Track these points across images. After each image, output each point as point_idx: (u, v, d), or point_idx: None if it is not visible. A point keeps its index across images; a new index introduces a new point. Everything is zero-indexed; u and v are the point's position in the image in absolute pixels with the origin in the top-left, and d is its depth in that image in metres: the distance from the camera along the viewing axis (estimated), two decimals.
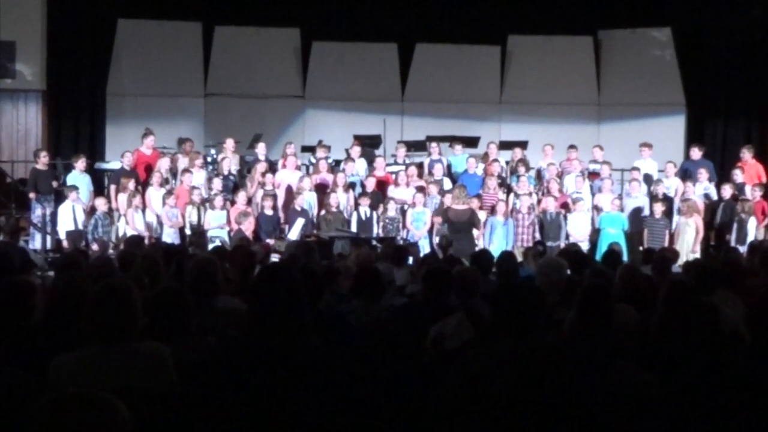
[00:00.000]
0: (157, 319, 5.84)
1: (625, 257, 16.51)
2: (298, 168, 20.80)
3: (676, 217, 19.33)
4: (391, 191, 19.98)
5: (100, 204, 18.54)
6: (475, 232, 18.54)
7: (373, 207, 19.39)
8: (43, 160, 19.65)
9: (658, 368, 5.67)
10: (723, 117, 24.80)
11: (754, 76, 23.85)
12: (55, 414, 3.28)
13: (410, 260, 13.91)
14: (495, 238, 18.70)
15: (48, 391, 4.69)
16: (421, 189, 19.72)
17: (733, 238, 18.64)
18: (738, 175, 20.09)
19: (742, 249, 16.62)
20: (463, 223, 18.22)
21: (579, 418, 4.72)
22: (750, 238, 18.27)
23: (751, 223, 18.56)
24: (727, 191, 19.51)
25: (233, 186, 19.91)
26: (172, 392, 5.09)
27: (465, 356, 5.08)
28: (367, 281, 8.16)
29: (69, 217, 18.34)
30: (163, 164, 19.89)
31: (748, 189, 19.58)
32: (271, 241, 18.26)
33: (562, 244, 17.97)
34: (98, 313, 5.28)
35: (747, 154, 20.73)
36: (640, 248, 18.52)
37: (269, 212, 19.11)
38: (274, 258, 15.18)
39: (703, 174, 20.18)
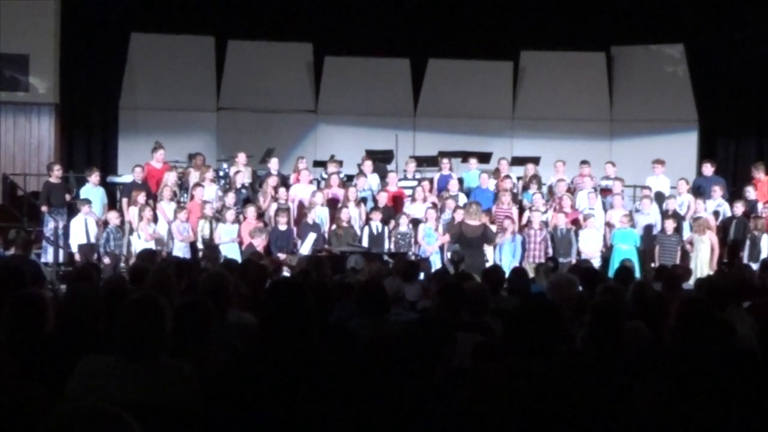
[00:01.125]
0: (178, 333, 5.82)
1: (637, 274, 16.48)
2: (311, 182, 20.82)
3: (687, 234, 19.28)
4: (406, 207, 19.97)
5: (112, 217, 18.54)
6: (486, 247, 18.51)
7: (385, 222, 19.40)
8: (56, 174, 19.66)
9: (671, 385, 5.66)
10: (735, 133, 24.78)
11: (766, 93, 23.79)
12: (66, 427, 3.28)
13: (421, 275, 13.88)
14: (503, 254, 18.69)
15: (62, 399, 4.71)
16: (434, 205, 19.71)
17: (745, 256, 18.59)
18: (750, 192, 20.03)
19: (755, 266, 16.58)
20: (476, 239, 18.20)
21: None
22: (763, 255, 18.20)
23: (764, 241, 18.50)
24: (740, 208, 19.46)
25: (245, 200, 19.91)
26: (189, 407, 5.08)
27: (478, 372, 5.07)
28: (370, 297, 8.12)
29: (81, 230, 18.36)
30: (170, 178, 19.88)
31: (760, 206, 19.53)
32: (282, 256, 18.27)
33: (573, 260, 17.96)
34: (129, 327, 5.26)
35: (760, 172, 20.66)
36: (652, 265, 18.48)
37: (283, 227, 19.09)
38: (285, 273, 15.19)
39: (717, 191, 20.14)
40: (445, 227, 19.27)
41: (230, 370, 5.00)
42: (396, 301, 9.56)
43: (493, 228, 18.87)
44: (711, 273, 17.95)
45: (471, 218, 18.28)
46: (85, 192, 19.57)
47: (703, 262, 18.59)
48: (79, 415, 3.33)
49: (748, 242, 18.71)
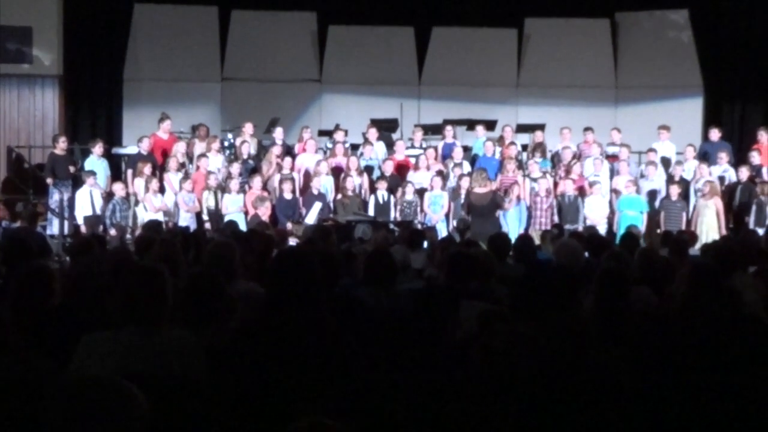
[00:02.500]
0: (188, 304, 5.81)
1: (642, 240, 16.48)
2: (317, 151, 20.82)
3: (693, 200, 19.26)
4: (411, 175, 19.96)
5: (118, 189, 18.56)
6: (498, 213, 18.55)
7: (391, 191, 19.40)
8: (61, 146, 19.65)
9: (678, 351, 5.66)
10: (740, 99, 24.69)
11: None
12: (72, 398, 3.30)
13: (425, 244, 13.89)
14: (509, 220, 18.69)
15: (69, 371, 4.72)
16: (439, 173, 19.69)
17: (751, 221, 18.56)
18: (755, 157, 20.00)
19: (761, 231, 16.57)
20: (485, 206, 18.20)
21: (596, 400, 4.71)
22: None
23: None
24: (745, 173, 19.43)
25: (252, 170, 19.90)
26: (195, 378, 5.09)
27: (484, 338, 5.07)
28: (378, 266, 8.10)
29: (87, 202, 18.36)
30: (179, 148, 19.89)
31: (765, 171, 19.51)
32: (288, 225, 18.27)
33: (580, 227, 17.93)
34: (131, 297, 5.26)
35: (764, 136, 20.62)
36: (657, 231, 18.46)
37: (288, 196, 19.10)
38: (292, 242, 15.19)
39: (724, 157, 20.10)
40: (450, 194, 19.27)
41: (238, 340, 5.01)
42: (403, 269, 9.56)
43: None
44: (717, 238, 17.96)
45: (478, 186, 18.29)
46: (89, 164, 19.56)
47: (709, 227, 18.56)
48: (84, 386, 3.35)
49: (754, 207, 18.68)
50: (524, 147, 21.49)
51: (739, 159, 20.75)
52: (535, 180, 19.51)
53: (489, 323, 6.17)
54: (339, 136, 21.17)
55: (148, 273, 5.39)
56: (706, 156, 20.50)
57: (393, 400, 4.96)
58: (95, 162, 19.60)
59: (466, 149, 21.49)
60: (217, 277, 6.19)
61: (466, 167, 20.23)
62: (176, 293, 5.71)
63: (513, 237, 12.54)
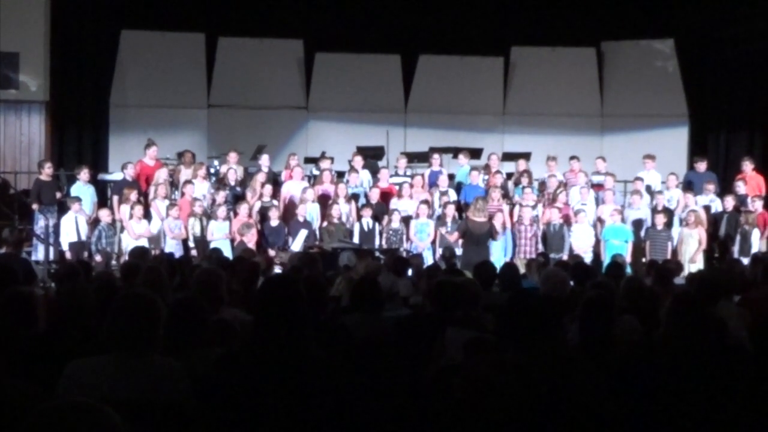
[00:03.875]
0: (172, 331, 5.81)
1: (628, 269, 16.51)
2: (303, 179, 20.83)
3: (677, 229, 19.31)
4: (394, 203, 19.98)
5: (104, 215, 18.55)
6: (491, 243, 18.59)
7: (377, 218, 19.42)
8: (47, 171, 19.63)
9: (663, 380, 5.67)
10: (725, 128, 24.81)
11: (756, 88, 23.83)
12: (49, 423, 3.29)
13: (410, 272, 13.91)
14: (493, 250, 18.68)
15: (53, 397, 4.71)
16: (425, 201, 19.71)
17: (736, 250, 18.63)
18: (740, 187, 20.09)
19: (746, 261, 16.61)
20: (483, 235, 18.21)
21: (581, 428, 4.72)
22: (754, 249, 18.26)
23: (755, 235, 18.56)
24: (730, 203, 19.50)
25: (238, 197, 19.91)
26: (180, 405, 5.08)
27: (469, 366, 5.08)
28: (366, 293, 8.14)
29: (72, 228, 18.33)
30: (162, 174, 19.89)
31: (750, 201, 19.59)
32: (272, 252, 18.28)
33: (565, 256, 17.95)
34: (122, 322, 5.25)
35: (748, 166, 20.73)
36: (643, 260, 18.50)
37: (274, 223, 19.12)
38: (277, 269, 15.19)
39: (711, 188, 20.19)
40: (436, 223, 19.30)
41: (223, 368, 5.00)
42: (390, 296, 9.57)
43: None
44: (692, 265, 18.02)
45: (477, 215, 18.29)
46: (75, 190, 19.54)
47: (689, 255, 18.63)
48: (62, 411, 3.35)
49: (738, 237, 18.75)
50: (509, 175, 21.51)
51: (724, 188, 20.83)
52: (522, 207, 19.51)
53: (475, 351, 6.19)
54: (325, 163, 21.19)
55: (141, 300, 5.38)
56: (690, 185, 20.58)
57: (379, 426, 4.96)
58: (81, 188, 19.58)
59: (452, 177, 21.53)
60: (202, 304, 6.19)
61: (452, 195, 20.27)
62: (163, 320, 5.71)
63: (498, 265, 12.57)
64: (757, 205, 19.33)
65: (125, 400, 4.77)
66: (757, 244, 18.51)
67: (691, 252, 18.67)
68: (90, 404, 3.41)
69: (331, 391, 4.88)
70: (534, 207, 19.65)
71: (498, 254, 18.49)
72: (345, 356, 6.15)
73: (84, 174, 19.80)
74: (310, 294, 5.44)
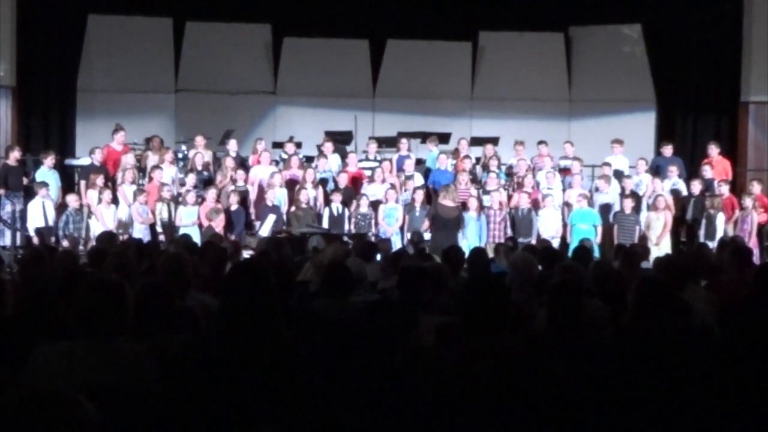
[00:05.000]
0: (138, 316, 5.79)
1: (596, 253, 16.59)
2: (271, 163, 20.78)
3: (644, 213, 19.38)
4: (365, 188, 19.99)
5: (71, 200, 18.48)
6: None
7: (346, 203, 19.41)
8: (14, 156, 19.53)
9: (630, 363, 5.70)
10: (693, 113, 24.87)
11: (723, 72, 23.92)
12: (19, 411, 3.28)
13: (378, 256, 13.91)
14: (468, 234, 18.73)
15: (20, 382, 4.69)
16: (393, 185, 19.72)
17: (701, 234, 18.73)
18: (707, 171, 20.21)
19: (712, 244, 16.70)
20: (452, 220, 18.24)
21: (550, 413, 4.73)
22: (719, 233, 18.35)
23: (720, 219, 18.65)
24: (697, 187, 19.59)
25: (206, 182, 19.88)
26: (149, 389, 5.07)
27: (434, 353, 5.09)
28: (336, 277, 8.14)
29: (39, 213, 18.25)
30: (129, 160, 19.82)
31: (716, 184, 19.69)
32: (232, 237, 18.27)
33: (534, 241, 18.00)
34: (89, 308, 5.23)
35: (714, 150, 20.85)
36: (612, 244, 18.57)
37: (234, 207, 19.12)
38: (246, 254, 15.17)
39: (674, 171, 20.27)
40: (405, 207, 19.31)
41: (191, 352, 5.00)
42: (358, 281, 9.58)
43: None
44: (657, 248, 18.09)
45: (447, 199, 18.32)
46: (41, 175, 19.43)
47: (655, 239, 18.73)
48: (32, 398, 3.33)
49: (704, 221, 18.84)
50: (477, 160, 21.54)
51: (691, 173, 20.91)
52: (488, 192, 19.58)
53: (447, 336, 6.20)
54: (290, 148, 21.16)
55: (107, 285, 5.36)
56: (658, 170, 20.66)
57: (349, 411, 4.96)
58: (47, 173, 19.48)
59: (420, 162, 21.55)
60: (168, 289, 6.18)
61: (418, 180, 20.30)
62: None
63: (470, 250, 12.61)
64: (723, 190, 19.44)
65: (93, 385, 4.75)
66: (722, 228, 18.59)
67: (657, 235, 18.76)
68: (60, 390, 3.40)
69: (300, 376, 4.87)
70: (500, 191, 19.67)
71: (473, 239, 18.53)
72: (314, 340, 6.15)
73: (50, 159, 19.69)
74: (278, 279, 5.44)
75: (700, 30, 24.10)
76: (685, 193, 19.93)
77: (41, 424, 3.25)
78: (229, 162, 20.20)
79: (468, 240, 18.34)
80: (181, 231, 17.92)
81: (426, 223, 18.77)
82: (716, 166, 20.51)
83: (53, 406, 3.29)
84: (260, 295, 4.99)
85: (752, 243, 17.76)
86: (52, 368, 5.06)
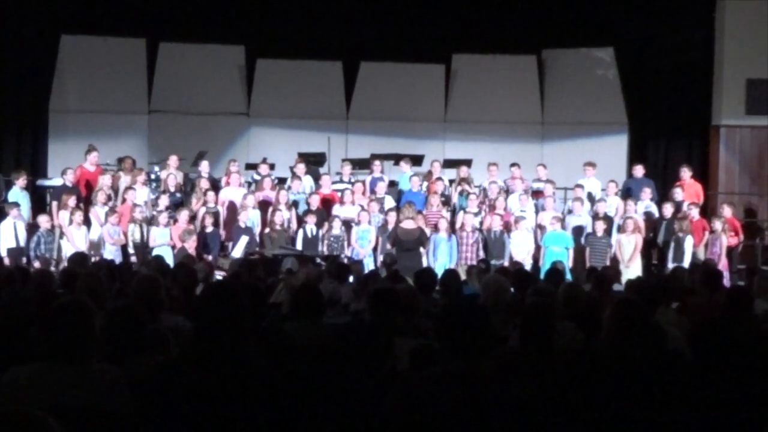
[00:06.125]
0: (110, 338, 5.77)
1: (568, 275, 16.61)
2: (241, 185, 20.77)
3: (615, 236, 19.43)
4: (336, 209, 19.99)
5: (43, 221, 18.41)
6: (422, 250, 18.64)
7: (319, 225, 19.40)
8: None
9: (604, 386, 5.71)
10: (665, 136, 25.01)
11: (695, 96, 24.06)
12: None
13: (351, 278, 13.91)
14: (439, 255, 18.78)
15: None
16: (366, 207, 19.73)
17: (670, 257, 18.78)
18: (678, 194, 20.30)
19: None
20: (412, 242, 18.31)
21: None
22: (687, 256, 18.44)
23: (688, 242, 18.72)
24: (669, 209, 19.66)
25: (178, 203, 19.84)
26: (120, 412, 5.04)
27: (407, 377, 5.09)
28: (307, 299, 8.12)
29: (11, 234, 18.18)
30: (105, 181, 19.78)
31: (685, 206, 19.77)
32: (209, 258, 18.25)
33: (506, 263, 18.03)
34: (57, 331, 5.20)
35: (686, 173, 20.95)
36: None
37: (209, 229, 19.09)
38: (218, 275, 15.15)
39: (647, 192, 20.36)
40: (378, 230, 19.32)
41: (163, 374, 4.98)
42: (331, 303, 9.59)
43: (427, 231, 18.98)
44: (628, 270, 18.15)
45: (407, 220, 18.39)
46: (12, 195, 19.35)
47: (624, 261, 18.78)
48: (1, 419, 3.31)
49: (672, 244, 18.90)
50: (451, 182, 21.58)
51: (663, 195, 20.99)
52: (468, 213, 19.57)
53: (421, 360, 6.20)
54: (263, 169, 21.18)
55: (74, 307, 5.33)
56: (629, 192, 20.74)
57: None
58: (18, 193, 19.40)
59: (393, 184, 21.58)
60: (140, 311, 6.16)
61: (389, 202, 20.32)
62: (101, 327, 5.67)
63: (442, 271, 12.60)
64: (694, 213, 19.53)
65: (63, 407, 4.73)
66: (690, 251, 18.67)
67: (627, 258, 18.81)
68: (29, 412, 3.38)
69: (270, 399, 4.86)
70: (475, 214, 19.72)
71: (443, 260, 18.58)
72: (285, 363, 6.13)
73: (22, 180, 19.61)
74: (250, 300, 5.43)
75: (672, 53, 24.28)
76: (657, 215, 20.01)
77: None
78: (204, 183, 20.17)
79: (439, 261, 18.39)
80: (154, 252, 17.86)
81: (375, 240, 18.93)
82: (688, 188, 20.61)
83: (20, 426, 3.28)
84: (232, 316, 4.98)
85: (722, 266, 17.84)
86: (23, 390, 5.03)
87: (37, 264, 17.57)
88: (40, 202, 20.43)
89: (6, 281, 9.95)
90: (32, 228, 18.65)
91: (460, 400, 4.71)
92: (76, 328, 5.19)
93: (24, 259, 17.92)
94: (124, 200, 19.58)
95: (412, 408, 4.77)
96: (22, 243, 18.21)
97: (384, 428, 4.84)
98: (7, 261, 17.73)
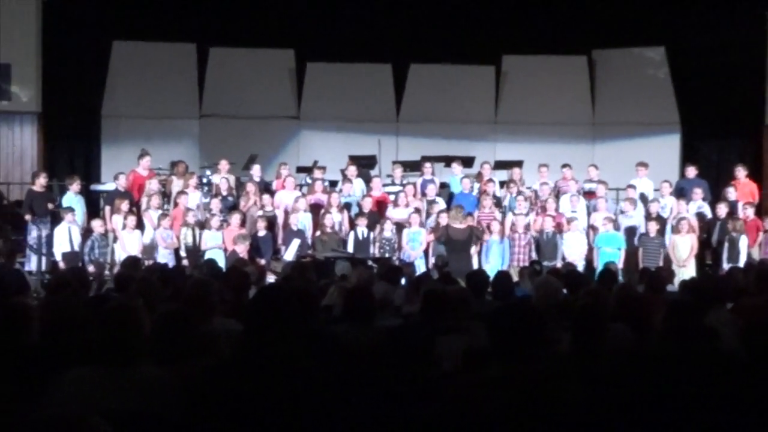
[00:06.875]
0: (161, 341, 5.80)
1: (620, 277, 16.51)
2: (295, 188, 20.82)
3: (669, 236, 19.29)
4: (388, 212, 19.99)
5: (96, 225, 18.53)
6: (472, 250, 18.63)
7: (370, 227, 19.40)
8: (40, 182, 19.59)
9: (656, 388, 5.67)
10: (718, 136, 24.83)
11: (747, 95, 23.87)
12: None
13: (403, 280, 13.89)
14: (491, 257, 18.76)
15: (43, 408, 4.70)
16: (417, 209, 19.72)
17: (724, 257, 18.63)
18: (731, 193, 20.10)
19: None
20: (462, 242, 18.31)
21: None
22: (742, 256, 18.28)
23: (743, 242, 18.54)
24: (723, 210, 19.48)
25: (230, 207, 19.90)
26: (169, 415, 5.07)
27: (459, 381, 5.08)
28: (358, 302, 8.11)
29: (65, 238, 18.31)
30: (153, 185, 19.87)
31: (740, 207, 19.59)
32: (262, 261, 18.31)
33: (559, 264, 17.94)
34: (106, 334, 5.24)
35: (741, 173, 20.76)
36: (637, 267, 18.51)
37: (262, 233, 19.13)
38: (270, 279, 15.19)
39: (698, 193, 20.19)
40: (429, 231, 19.31)
41: (213, 378, 4.99)
42: (383, 306, 9.58)
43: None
44: (683, 270, 18.03)
45: (455, 222, 18.39)
46: (66, 200, 19.51)
47: (680, 261, 18.65)
48: (52, 422, 3.35)
49: (726, 244, 18.74)
50: (502, 184, 21.51)
51: (716, 196, 20.81)
52: (519, 215, 19.51)
53: (473, 361, 6.18)
54: (317, 173, 21.19)
55: (123, 310, 5.38)
56: (682, 192, 20.58)
57: None
58: (73, 198, 19.55)
59: (444, 186, 21.54)
60: (191, 315, 6.18)
61: (441, 204, 20.27)
62: (153, 330, 5.71)
63: (494, 273, 12.56)
64: (748, 212, 19.34)
65: (114, 410, 4.76)
66: (745, 251, 18.51)
67: (682, 258, 18.68)
68: (79, 415, 3.41)
69: (320, 402, 4.87)
70: (526, 215, 19.66)
71: (495, 262, 18.55)
72: (335, 367, 6.14)
73: (76, 185, 19.78)
74: (301, 303, 5.44)
75: (724, 52, 24.04)
76: (710, 215, 19.85)
77: None
78: (251, 187, 20.21)
79: (491, 263, 18.36)
80: (207, 255, 17.93)
81: (430, 236, 19.03)
82: (742, 188, 20.40)
83: (70, 429, 3.31)
84: (283, 320, 5.00)
85: None
86: (75, 394, 5.07)
87: (91, 268, 17.71)
88: (93, 206, 20.57)
89: (60, 285, 10.01)
90: (86, 232, 18.78)
91: (510, 404, 4.69)
92: (125, 332, 5.23)
93: (79, 264, 18.04)
94: (176, 204, 19.67)
95: (462, 411, 4.76)
96: (77, 247, 18.34)
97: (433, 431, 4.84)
98: (62, 265, 17.87)
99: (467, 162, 22.33)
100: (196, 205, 19.79)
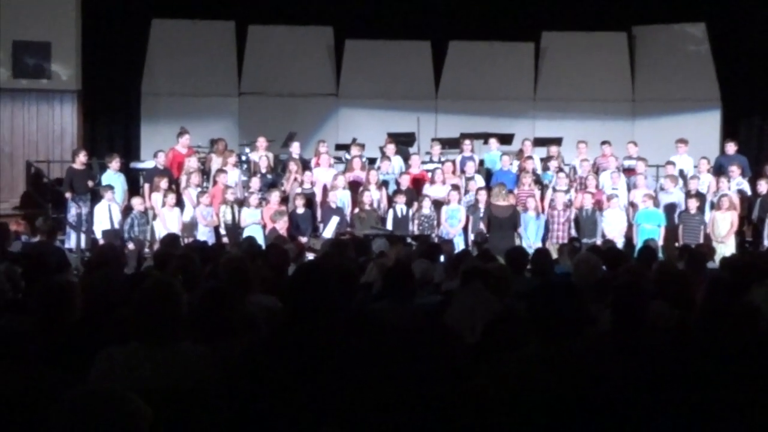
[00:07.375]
0: (201, 319, 5.82)
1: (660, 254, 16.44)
2: (331, 166, 20.83)
3: (708, 213, 19.19)
4: (426, 189, 19.97)
5: (136, 203, 18.60)
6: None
7: (409, 204, 19.40)
8: (81, 160, 19.69)
9: (696, 366, 5.65)
10: (759, 112, 24.63)
11: None
12: (76, 410, 3.33)
13: (442, 257, 13.86)
14: (528, 234, 18.74)
15: (83, 385, 4.74)
16: (456, 186, 19.68)
17: (765, 234, 18.51)
18: None
19: None
20: (506, 219, 18.33)
21: (615, 417, 4.71)
22: None
23: None
24: (764, 186, 19.34)
25: (269, 184, 19.93)
26: (210, 392, 5.09)
27: (498, 358, 5.08)
28: (397, 280, 8.10)
29: (105, 216, 18.41)
30: (192, 163, 19.92)
31: None
32: (303, 239, 18.33)
33: (599, 241, 17.88)
34: (145, 311, 5.27)
35: None
36: (676, 244, 18.43)
37: (300, 210, 19.13)
38: (309, 256, 15.21)
39: (735, 170, 19.99)
40: (468, 209, 19.28)
41: (253, 355, 5.01)
42: (423, 283, 9.57)
43: (519, 209, 18.97)
44: (723, 246, 17.93)
45: (498, 199, 18.40)
46: (106, 178, 19.62)
47: (721, 238, 18.54)
48: (90, 397, 3.38)
49: (767, 221, 18.62)
50: (541, 160, 21.45)
51: (757, 172, 20.65)
52: (559, 191, 19.45)
53: (493, 333, 6.19)
54: (356, 150, 21.18)
55: (160, 287, 5.39)
56: (721, 169, 20.43)
57: (408, 415, 4.96)
58: (112, 176, 19.65)
59: (482, 163, 21.50)
60: (232, 292, 6.19)
61: (479, 181, 20.23)
62: (193, 308, 5.73)
63: (530, 250, 12.55)
64: None
65: (153, 387, 4.79)
66: None
67: (723, 235, 18.57)
68: (116, 391, 3.45)
69: (360, 378, 4.88)
70: (566, 191, 19.59)
71: (532, 238, 18.55)
72: (374, 344, 6.15)
73: (115, 163, 19.88)
74: (341, 281, 5.45)
75: (764, 28, 23.82)
76: (749, 192, 19.71)
77: (98, 423, 3.30)
78: (293, 166, 20.23)
79: (528, 240, 18.36)
80: (245, 232, 17.98)
81: (465, 219, 18.99)
82: None
83: (108, 404, 3.35)
84: (322, 297, 5.00)
85: None
86: (114, 371, 5.10)
87: (131, 246, 17.81)
88: (133, 184, 20.65)
89: (100, 263, 10.05)
90: (126, 210, 18.87)
91: (551, 381, 4.69)
92: (163, 309, 5.24)
93: (119, 241, 18.12)
94: (215, 182, 19.71)
95: (502, 389, 4.76)
96: (117, 225, 18.42)
97: (473, 408, 4.84)
98: (102, 243, 17.96)
99: (506, 139, 22.27)
100: (235, 182, 19.84)
